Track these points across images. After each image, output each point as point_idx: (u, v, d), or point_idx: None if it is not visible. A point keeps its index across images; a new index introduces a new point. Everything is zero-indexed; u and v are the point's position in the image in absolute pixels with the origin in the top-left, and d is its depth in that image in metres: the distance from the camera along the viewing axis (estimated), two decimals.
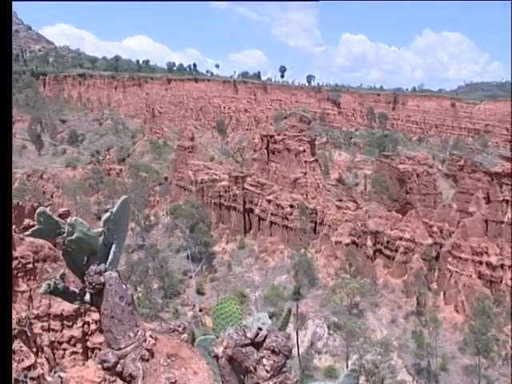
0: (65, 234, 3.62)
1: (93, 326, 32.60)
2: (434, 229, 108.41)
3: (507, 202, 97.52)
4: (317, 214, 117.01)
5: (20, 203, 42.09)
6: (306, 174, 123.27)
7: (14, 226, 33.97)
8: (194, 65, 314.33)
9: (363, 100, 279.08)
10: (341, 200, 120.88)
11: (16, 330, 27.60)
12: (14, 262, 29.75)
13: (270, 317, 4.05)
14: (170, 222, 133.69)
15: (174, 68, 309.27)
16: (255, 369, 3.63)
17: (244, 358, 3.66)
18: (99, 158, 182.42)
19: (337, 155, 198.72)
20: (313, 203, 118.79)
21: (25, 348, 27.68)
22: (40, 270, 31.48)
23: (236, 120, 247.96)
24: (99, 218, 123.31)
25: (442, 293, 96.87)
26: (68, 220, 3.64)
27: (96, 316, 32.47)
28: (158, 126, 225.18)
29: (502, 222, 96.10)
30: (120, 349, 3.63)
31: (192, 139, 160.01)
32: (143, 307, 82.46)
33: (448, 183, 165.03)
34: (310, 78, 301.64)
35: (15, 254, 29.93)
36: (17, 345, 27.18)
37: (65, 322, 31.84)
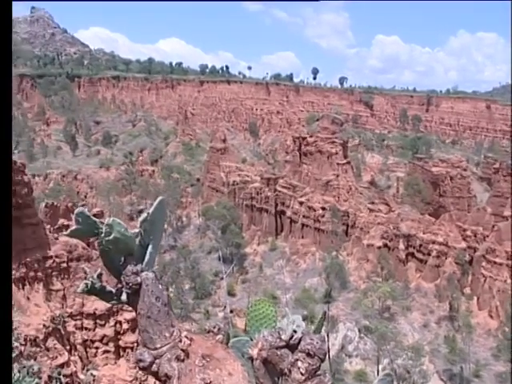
0: (103, 235, 3.66)
1: (125, 326, 33.03)
2: (468, 232, 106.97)
3: None
4: (349, 216, 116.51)
5: (55, 203, 42.66)
6: (338, 176, 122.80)
7: (48, 226, 34.50)
8: (227, 67, 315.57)
9: (396, 102, 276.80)
10: (373, 203, 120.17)
11: (50, 328, 28.04)
12: (49, 261, 30.25)
13: (303, 320, 4.04)
14: (202, 223, 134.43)
15: (207, 70, 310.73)
16: (290, 371, 3.63)
17: (279, 361, 3.67)
18: (132, 159, 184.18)
19: (369, 157, 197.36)
20: (345, 206, 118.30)
21: (58, 346, 28.12)
22: (74, 269, 31.98)
23: (268, 122, 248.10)
24: (132, 219, 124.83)
25: (475, 298, 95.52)
26: (106, 220, 3.68)
27: (128, 315, 32.79)
28: (190, 128, 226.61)
29: None
30: (156, 349, 3.65)
31: (224, 141, 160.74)
32: (174, 307, 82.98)
33: (482, 186, 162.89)
34: (342, 80, 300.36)
35: (50, 253, 30.43)
36: (50, 342, 27.62)
37: (97, 320, 32.31)
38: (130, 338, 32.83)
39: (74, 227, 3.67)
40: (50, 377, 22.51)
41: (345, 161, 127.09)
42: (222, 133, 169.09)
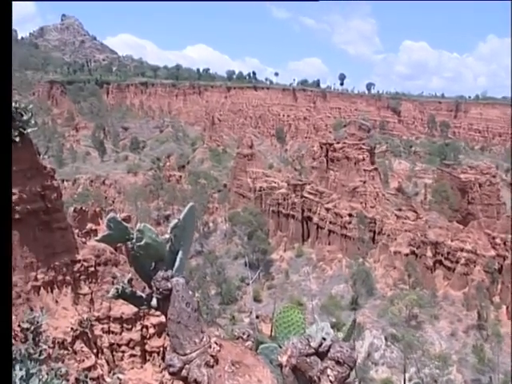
0: (134, 240, 3.70)
1: (151, 330, 33.20)
2: (497, 240, 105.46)
3: None
4: (375, 223, 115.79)
5: (83, 208, 43.11)
6: (365, 182, 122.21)
7: (77, 230, 34.87)
8: (254, 73, 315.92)
9: (424, 108, 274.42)
10: (400, 209, 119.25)
11: (78, 331, 28.32)
12: (77, 265, 30.56)
13: (331, 327, 4.03)
14: (229, 228, 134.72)
15: (234, 76, 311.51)
16: (319, 379, 3.63)
17: (308, 368, 3.66)
18: (160, 164, 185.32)
19: (396, 164, 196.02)
20: (372, 212, 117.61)
21: (86, 349, 28.38)
22: (101, 274, 32.26)
23: (295, 128, 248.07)
24: (159, 224, 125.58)
25: (504, 307, 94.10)
26: (137, 226, 3.72)
27: (154, 320, 32.98)
28: (217, 134, 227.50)
29: None
30: (185, 354, 3.67)
31: (251, 147, 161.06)
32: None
33: None
34: (369, 86, 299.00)
35: (78, 257, 30.74)
36: (78, 345, 27.89)
37: (124, 324, 32.53)
38: (156, 342, 32.96)
39: (105, 233, 3.71)
40: (77, 379, 22.70)
41: (372, 167, 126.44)
42: (248, 139, 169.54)
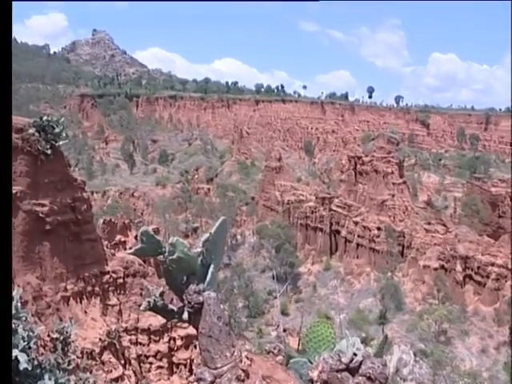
0: (166, 254, 3.73)
1: (178, 342, 33.25)
2: None
3: None
4: (404, 236, 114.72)
5: (112, 220, 43.56)
6: (393, 196, 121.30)
7: (106, 242, 35.21)
8: (282, 86, 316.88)
9: (453, 121, 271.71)
10: (429, 223, 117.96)
11: (106, 342, 28.48)
12: (106, 277, 30.80)
13: (361, 342, 4.01)
14: (256, 241, 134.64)
15: (262, 89, 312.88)
16: None
17: None
18: (188, 177, 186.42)
19: (425, 177, 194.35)
20: (400, 226, 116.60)
21: (113, 360, 28.52)
22: (130, 285, 32.46)
23: (323, 141, 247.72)
24: (187, 236, 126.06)
25: None
26: (170, 240, 3.75)
27: (182, 332, 33.03)
28: (245, 147, 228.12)
29: None
30: (216, 368, 3.68)
31: (279, 160, 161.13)
32: None
33: None
34: (398, 99, 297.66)
35: (107, 268, 30.99)
36: (106, 356, 28.05)
37: (152, 336, 32.64)
38: (183, 354, 32.99)
39: (138, 246, 3.74)
40: None
41: (401, 180, 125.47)
42: (277, 152, 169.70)
